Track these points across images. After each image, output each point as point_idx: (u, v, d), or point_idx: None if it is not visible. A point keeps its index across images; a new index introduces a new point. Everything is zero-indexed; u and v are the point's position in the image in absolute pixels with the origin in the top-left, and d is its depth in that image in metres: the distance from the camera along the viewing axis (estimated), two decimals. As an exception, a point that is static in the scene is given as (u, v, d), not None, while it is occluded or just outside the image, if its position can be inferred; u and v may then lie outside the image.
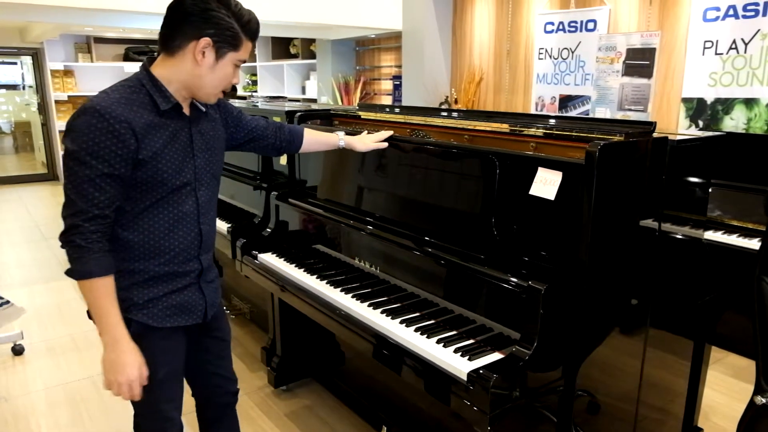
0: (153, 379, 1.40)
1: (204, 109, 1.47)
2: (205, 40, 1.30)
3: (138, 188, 1.32)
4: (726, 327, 3.06)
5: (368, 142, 1.96)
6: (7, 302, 2.09)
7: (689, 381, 2.07)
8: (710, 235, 2.88)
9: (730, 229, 2.96)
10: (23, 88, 8.81)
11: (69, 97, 7.99)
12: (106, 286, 1.28)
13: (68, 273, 1.28)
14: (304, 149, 1.89)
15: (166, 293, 1.41)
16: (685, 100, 3.62)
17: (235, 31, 1.33)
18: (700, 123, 3.55)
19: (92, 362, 2.99)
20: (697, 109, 3.56)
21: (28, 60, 8.25)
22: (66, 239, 1.26)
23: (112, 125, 1.23)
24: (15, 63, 8.54)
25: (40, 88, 8.09)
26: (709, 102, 3.50)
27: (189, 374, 1.63)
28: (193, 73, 1.34)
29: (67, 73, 8.02)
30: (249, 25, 1.36)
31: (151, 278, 1.39)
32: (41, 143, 8.40)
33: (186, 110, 1.41)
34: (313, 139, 1.91)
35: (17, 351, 3.07)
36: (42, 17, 5.12)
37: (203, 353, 1.61)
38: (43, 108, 8.16)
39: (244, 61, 1.41)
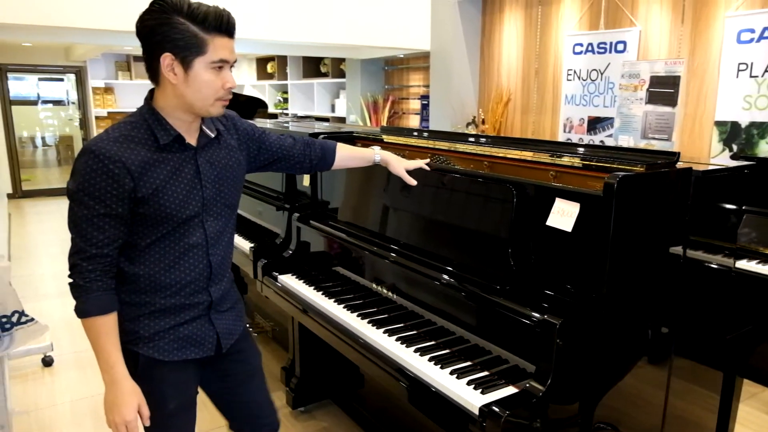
0: (163, 412, 1.39)
1: (213, 135, 1.41)
2: (167, 57, 1.25)
3: (143, 223, 1.31)
4: (761, 360, 2.94)
5: (403, 166, 1.85)
6: (32, 320, 2.16)
7: (718, 416, 1.99)
8: (744, 264, 2.77)
9: (765, 259, 2.85)
10: (67, 103, 9.17)
11: (108, 113, 8.29)
12: (104, 325, 1.27)
13: (75, 310, 1.29)
14: (337, 165, 1.79)
15: (173, 326, 1.38)
16: (719, 124, 3.52)
17: (192, 33, 1.24)
18: (734, 147, 3.44)
19: (118, 376, 3.05)
20: (731, 133, 3.46)
21: (72, 77, 8.62)
22: (69, 278, 1.28)
23: (106, 165, 1.23)
24: (61, 80, 8.91)
25: (82, 104, 8.42)
26: (743, 125, 3.40)
27: (219, 405, 1.60)
28: (176, 93, 1.29)
29: (108, 90, 8.34)
30: (207, 20, 1.25)
31: (157, 310, 1.36)
32: (81, 157, 8.70)
33: (192, 140, 1.37)
34: (347, 154, 1.81)
35: (47, 362, 3.16)
36: (85, 39, 5.35)
37: (227, 381, 1.56)
38: (84, 123, 8.48)
39: (227, 61, 1.30)
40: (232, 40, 1.31)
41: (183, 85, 1.28)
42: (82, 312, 1.27)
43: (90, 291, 1.26)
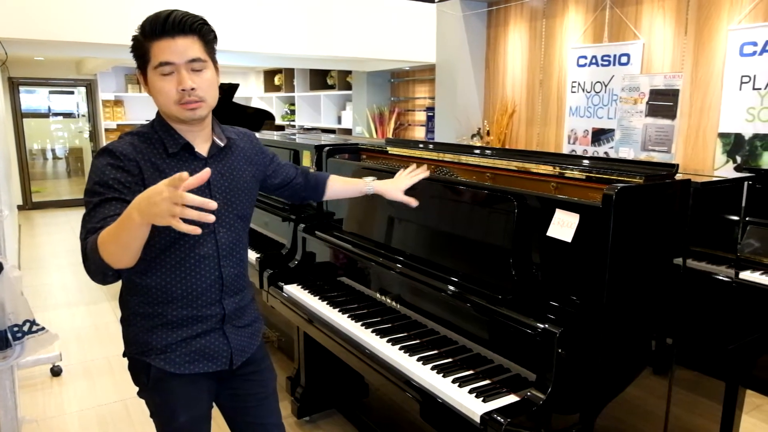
0: (174, 425, 1.39)
1: (222, 144, 1.42)
2: (138, 73, 1.34)
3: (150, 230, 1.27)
4: (766, 371, 2.93)
5: (399, 188, 1.87)
6: (42, 329, 2.20)
7: (721, 427, 1.99)
8: (747, 275, 2.78)
9: (769, 270, 2.85)
10: (77, 116, 9.30)
11: (118, 125, 8.39)
12: (104, 232, 1.13)
13: (94, 267, 1.17)
14: (328, 197, 1.84)
15: (185, 338, 1.37)
16: (722, 135, 3.54)
17: (138, 45, 1.29)
18: (738, 159, 3.46)
19: (125, 386, 3.08)
20: (735, 145, 3.48)
21: (82, 90, 8.75)
22: (83, 259, 1.19)
23: (120, 160, 1.27)
24: (72, 93, 9.04)
25: (92, 117, 8.54)
26: (747, 137, 3.42)
27: (228, 422, 1.57)
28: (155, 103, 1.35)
29: (117, 102, 8.45)
30: (146, 28, 1.27)
31: (169, 322, 1.36)
32: (90, 169, 8.81)
33: (203, 150, 1.39)
34: (339, 186, 1.86)
35: (55, 372, 3.20)
36: (96, 53, 5.45)
37: (238, 402, 1.53)
38: (93, 135, 8.59)
39: (169, 62, 1.26)
40: (177, 40, 1.26)
41: (151, 94, 1.33)
42: (93, 254, 1.14)
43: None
